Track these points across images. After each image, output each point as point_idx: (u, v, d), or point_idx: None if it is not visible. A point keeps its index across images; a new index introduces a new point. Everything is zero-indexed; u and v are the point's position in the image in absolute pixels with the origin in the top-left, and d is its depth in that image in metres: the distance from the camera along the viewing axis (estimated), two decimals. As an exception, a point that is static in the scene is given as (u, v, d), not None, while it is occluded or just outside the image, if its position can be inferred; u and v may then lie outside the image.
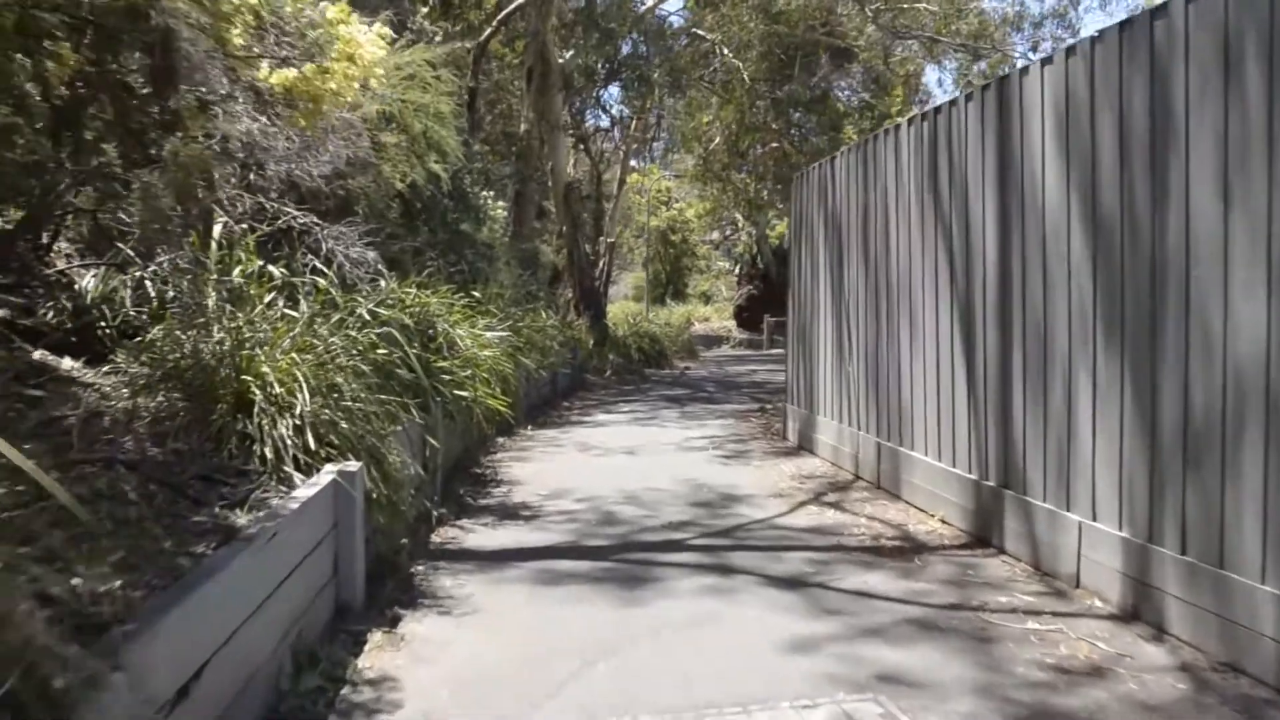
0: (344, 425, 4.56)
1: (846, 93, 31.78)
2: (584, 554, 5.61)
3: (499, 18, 20.36)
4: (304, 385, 4.46)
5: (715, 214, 43.83)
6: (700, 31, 22.09)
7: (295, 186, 5.88)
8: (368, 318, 5.97)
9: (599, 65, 20.49)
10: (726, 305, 45.60)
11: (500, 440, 9.78)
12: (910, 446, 6.88)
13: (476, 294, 11.19)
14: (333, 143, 5.18)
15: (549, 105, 19.94)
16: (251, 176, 5.04)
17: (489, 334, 8.62)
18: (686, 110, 25.00)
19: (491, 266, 13.21)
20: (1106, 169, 4.62)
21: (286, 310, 5.35)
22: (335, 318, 5.52)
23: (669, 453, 9.39)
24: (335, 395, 4.67)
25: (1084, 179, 4.79)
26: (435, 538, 5.95)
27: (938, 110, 6.49)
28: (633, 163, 29.22)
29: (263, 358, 4.59)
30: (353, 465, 4.33)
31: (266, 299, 5.05)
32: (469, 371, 7.52)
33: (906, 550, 5.67)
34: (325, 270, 5.94)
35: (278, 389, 4.44)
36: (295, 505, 3.67)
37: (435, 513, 6.41)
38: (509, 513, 6.71)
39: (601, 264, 22.64)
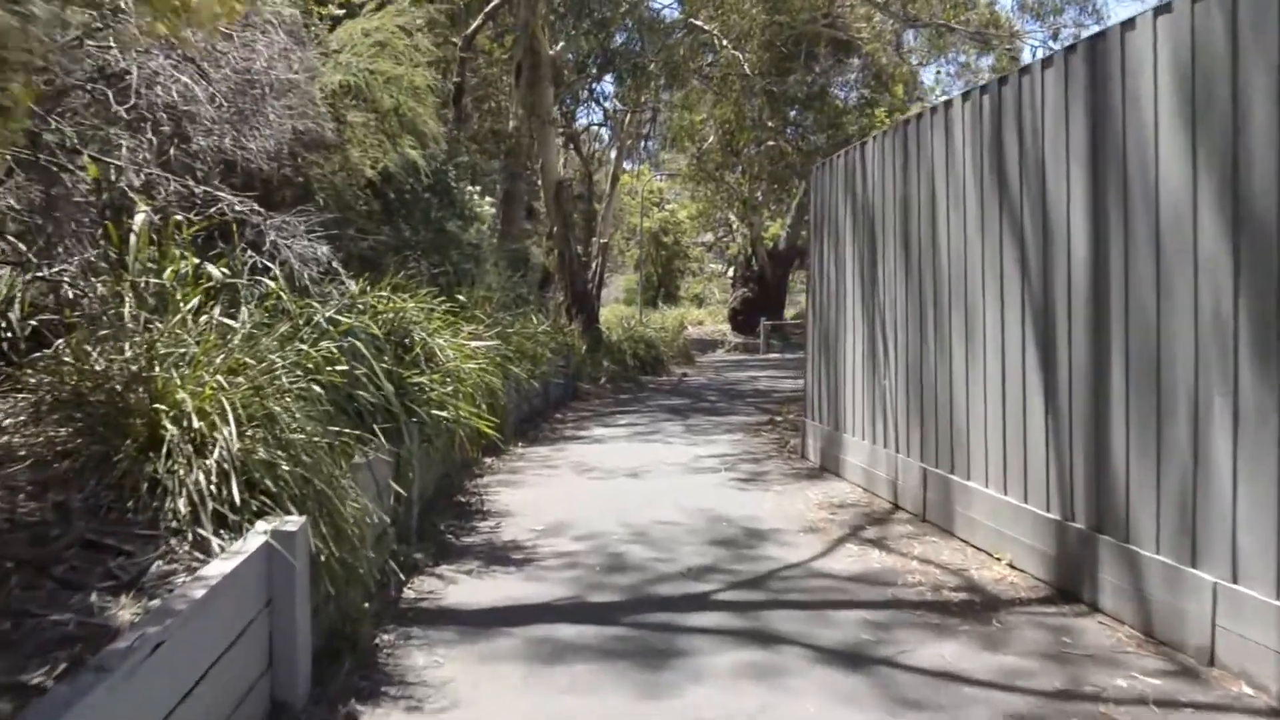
0: (284, 467, 3.55)
1: (844, 90, 30.89)
2: (589, 614, 4.60)
3: (486, 10, 19.37)
4: (232, 415, 3.45)
5: (708, 215, 42.97)
6: (698, 22, 21.09)
7: (237, 169, 4.88)
8: (327, 327, 4.97)
9: (591, 57, 19.49)
10: (719, 308, 44.65)
11: (487, 461, 8.77)
12: (966, 475, 5.90)
13: (461, 298, 10.22)
14: (274, 110, 4.16)
15: (539, 99, 18.94)
16: (173, 152, 4.02)
17: (474, 343, 7.62)
18: (683, 103, 23.96)
19: (478, 268, 12.20)
20: (1258, 138, 3.64)
21: (224, 319, 4.35)
22: (284, 328, 4.52)
23: (676, 475, 8.39)
24: (275, 428, 3.66)
25: (1220, 153, 3.81)
26: (409, 591, 4.94)
27: (1003, 81, 5.50)
28: (625, 163, 28.23)
29: (180, 380, 3.59)
30: (293, 521, 3.32)
31: (193, 304, 4.03)
32: (451, 387, 6.51)
33: (978, 607, 4.69)
34: (275, 270, 4.94)
35: (196, 422, 3.43)
36: (201, 592, 2.66)
37: (410, 558, 5.41)
38: (498, 555, 5.69)
39: (594, 266, 21.64)
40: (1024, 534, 5.19)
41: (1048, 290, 5.00)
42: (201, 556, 3.08)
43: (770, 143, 33.09)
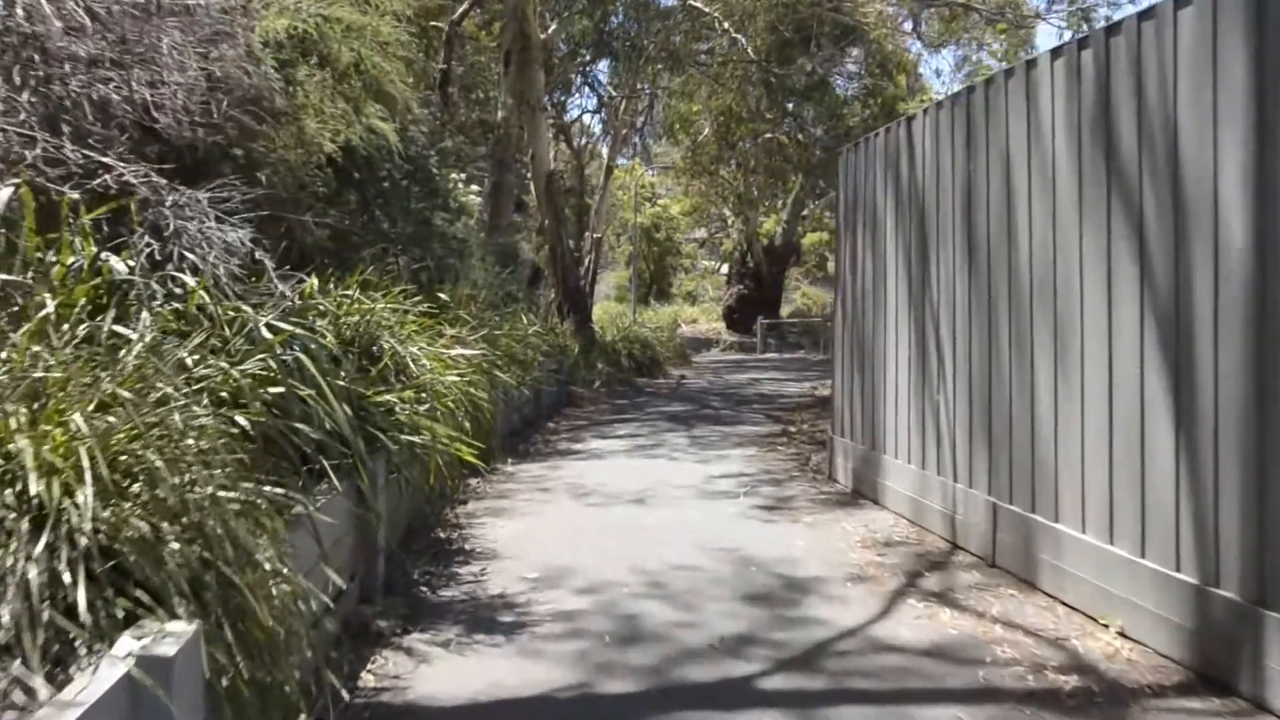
0: (173, 546, 2.46)
1: (845, 80, 29.83)
2: (602, 716, 3.53)
3: (474, -8, 18.31)
4: (92, 473, 2.37)
5: (702, 211, 41.93)
6: (697, 4, 19.99)
7: (152, 135, 3.78)
8: (265, 336, 3.87)
9: (585, 39, 18.40)
10: (713, 306, 43.60)
11: (472, 483, 7.68)
12: (1054, 516, 4.84)
13: (444, 296, 9.14)
14: (181, 47, 3.07)
15: (529, 84, 17.85)
16: (27, 97, 2.92)
17: (456, 350, 6.55)
18: (682, 89, 22.83)
19: (463, 264, 11.11)
20: None
21: (119, 329, 3.26)
22: (199, 340, 3.42)
23: (689, 501, 7.32)
24: (164, 486, 2.57)
25: None
26: (369, 676, 3.85)
27: (1111, 30, 4.44)
28: (619, 157, 27.13)
29: (21, 422, 2.50)
30: (175, 634, 2.23)
31: (50, 308, 2.94)
32: (427, 405, 5.43)
33: (1100, 699, 3.63)
34: (198, 262, 3.84)
35: (37, 484, 2.35)
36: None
37: (372, 625, 4.33)
38: (482, 616, 4.60)
39: (587, 262, 20.56)
40: (1142, 597, 4.13)
41: (1182, 288, 3.93)
42: (19, 706, 1.99)
43: (768, 135, 32.05)
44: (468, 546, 5.92)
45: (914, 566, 5.46)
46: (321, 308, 5.52)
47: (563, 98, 29.18)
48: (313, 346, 4.15)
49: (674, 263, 49.04)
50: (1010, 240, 5.25)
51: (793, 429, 11.15)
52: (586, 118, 31.79)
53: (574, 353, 16.42)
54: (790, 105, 29.71)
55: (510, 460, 9.02)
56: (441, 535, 6.15)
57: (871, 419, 7.33)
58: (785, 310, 39.39)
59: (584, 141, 31.74)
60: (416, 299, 6.95)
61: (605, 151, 25.52)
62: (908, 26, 26.10)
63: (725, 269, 47.67)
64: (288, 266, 4.30)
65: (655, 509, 7.03)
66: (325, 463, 3.91)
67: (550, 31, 17.79)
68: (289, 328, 3.99)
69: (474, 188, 11.30)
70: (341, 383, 4.43)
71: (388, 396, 4.96)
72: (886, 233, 7.12)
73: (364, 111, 5.58)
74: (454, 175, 10.80)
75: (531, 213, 24.88)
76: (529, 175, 21.01)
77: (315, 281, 5.65)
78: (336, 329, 5.36)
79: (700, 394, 16.23)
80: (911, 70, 30.92)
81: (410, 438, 4.96)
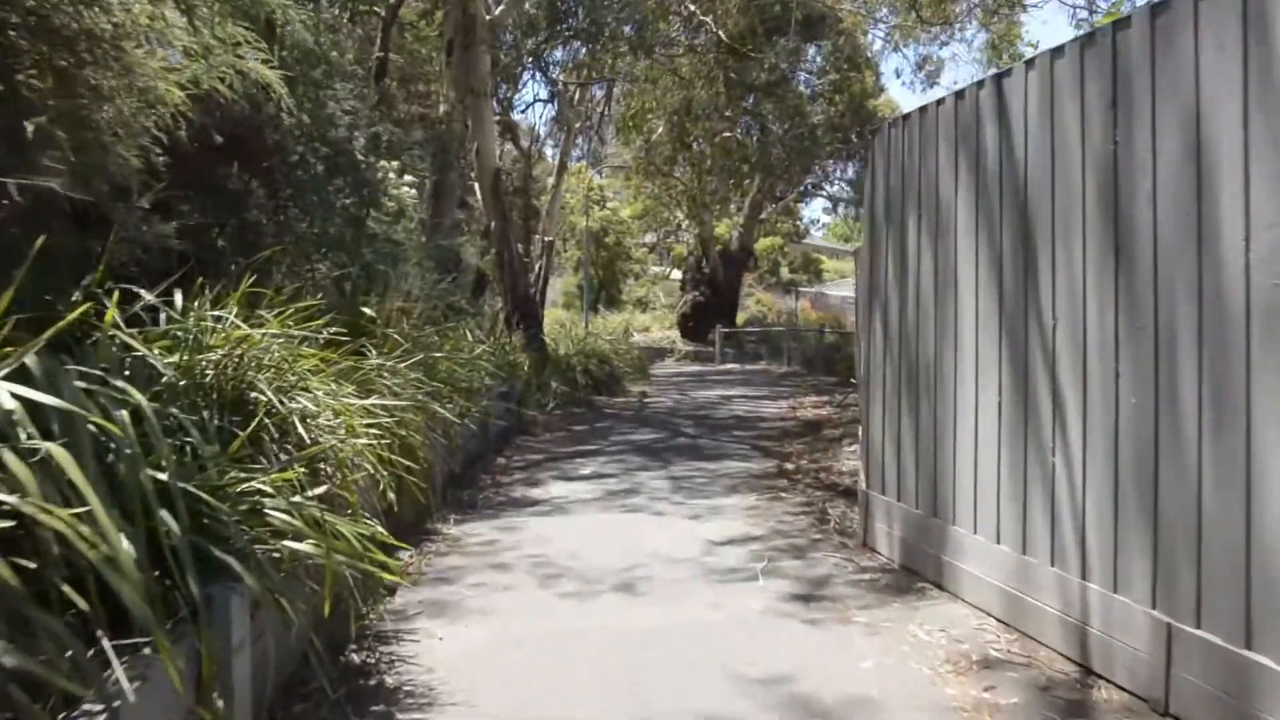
0: None
1: (805, 76, 28.34)
2: None
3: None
4: None
5: (653, 214, 40.31)
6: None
7: None
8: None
9: (539, 20, 16.58)
10: (666, 313, 41.96)
11: (404, 556, 5.81)
12: (1298, 661, 3.15)
13: (370, 311, 7.31)
14: None
15: (474, 68, 16.00)
16: None
17: (373, 400, 4.75)
18: (646, 75, 21.03)
19: (396, 270, 9.23)
20: None
21: None
22: None
23: (695, 587, 5.51)
24: None
25: None
26: None
27: None
28: (574, 151, 25.30)
29: None
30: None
31: None
32: (323, 486, 3.60)
33: None
34: None
35: None
36: None
37: None
38: None
39: (538, 267, 18.70)
40: None
41: None
42: None
43: (726, 133, 30.47)
44: (391, 680, 4.07)
45: (1045, 710, 3.74)
46: (176, 336, 3.69)
47: (509, 93, 27.40)
48: (90, 424, 2.31)
49: (624, 268, 47.37)
50: (1201, 238, 3.55)
51: (789, 465, 9.43)
52: (536, 111, 29.97)
53: (525, 370, 14.58)
54: (749, 102, 28.16)
55: (453, 518, 7.18)
56: (356, 659, 4.30)
57: (932, 475, 5.61)
58: (740, 318, 37.83)
59: (532, 144, 29.91)
60: (330, 316, 5.09)
61: (557, 148, 23.69)
62: (882, 14, 24.57)
63: (678, 274, 46.11)
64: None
65: (652, 602, 5.22)
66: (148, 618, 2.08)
67: (498, 11, 15.93)
68: (37, 396, 2.14)
69: (408, 179, 9.42)
70: (163, 475, 2.60)
71: (256, 483, 3.12)
72: (957, 231, 5.41)
73: (223, 41, 3.71)
74: (384, 164, 8.92)
75: (477, 214, 22.95)
76: (474, 176, 19.12)
77: (180, 297, 3.85)
78: (188, 371, 3.52)
79: (668, 416, 14.46)
80: (873, 68, 29.56)
81: (294, 545, 3.13)
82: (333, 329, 4.98)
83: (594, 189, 41.37)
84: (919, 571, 5.62)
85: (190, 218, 4.67)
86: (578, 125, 21.67)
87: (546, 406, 14.01)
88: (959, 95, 5.37)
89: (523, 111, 23.77)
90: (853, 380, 19.04)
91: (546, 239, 18.75)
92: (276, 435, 3.56)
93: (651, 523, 7.13)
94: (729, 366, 28.19)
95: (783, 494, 8.09)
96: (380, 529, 3.73)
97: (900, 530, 5.92)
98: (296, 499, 3.23)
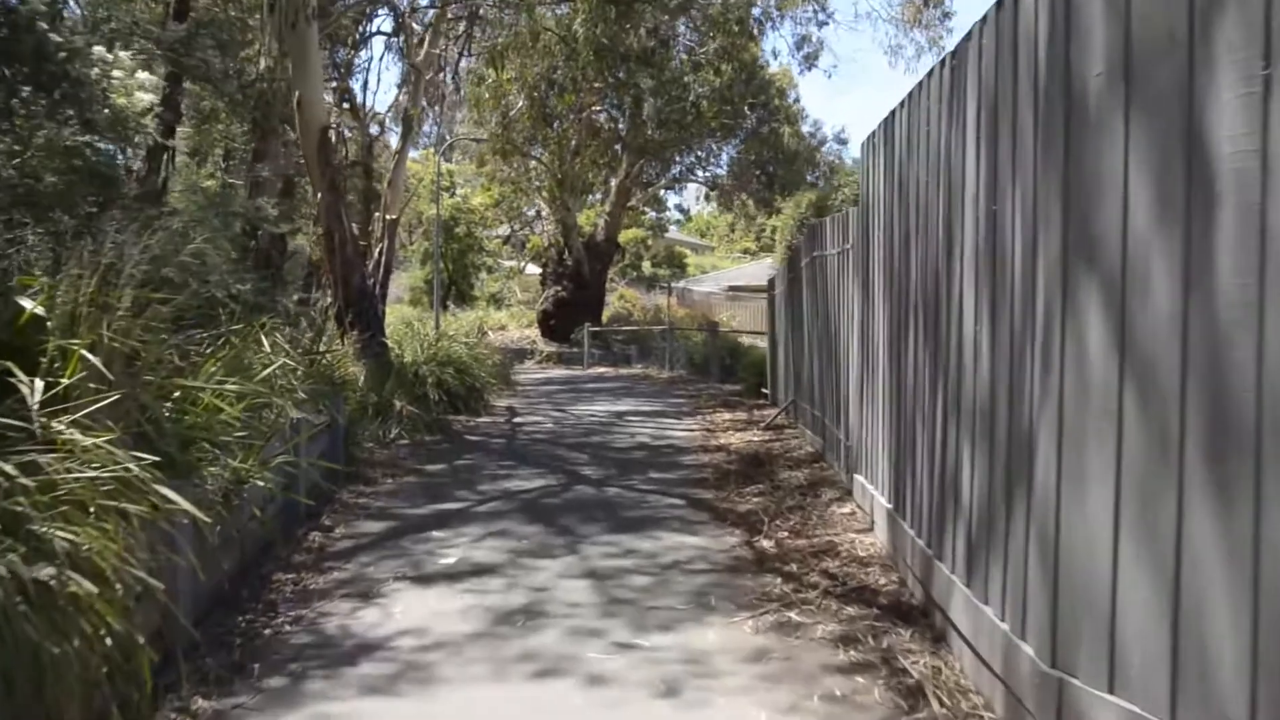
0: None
1: (685, 44, 25.24)
2: None
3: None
4: None
5: (509, 203, 36.62)
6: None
7: None
8: None
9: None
10: (522, 310, 38.32)
11: None
12: None
13: (31, 306, 3.63)
14: None
15: (289, -12, 12.17)
16: None
17: None
18: (521, 3, 17.29)
19: (131, 222, 5.54)
20: None
21: None
22: None
23: None
24: None
25: None
26: None
27: None
28: (426, 125, 21.33)
29: None
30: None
31: None
32: None
33: None
34: None
35: None
36: None
37: None
38: None
39: (378, 251, 14.87)
40: None
41: None
42: None
43: (596, 107, 27.15)
44: None
45: None
46: None
47: (348, 54, 23.43)
48: None
49: (476, 261, 43.46)
50: None
51: (766, 543, 6.18)
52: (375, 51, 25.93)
53: (360, 387, 10.89)
54: (621, 73, 24.86)
55: (199, 703, 3.62)
56: None
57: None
58: (604, 315, 34.56)
59: (369, 121, 25.78)
60: None
61: (395, 122, 19.62)
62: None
63: (534, 269, 42.53)
64: None
65: None
66: None
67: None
68: None
69: (144, 77, 5.70)
70: None
71: None
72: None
73: None
74: (100, 51, 5.23)
75: (308, 198, 18.89)
76: (299, 133, 15.14)
77: None
78: None
79: (552, 445, 11.01)
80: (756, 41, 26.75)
81: None
82: None
83: (444, 174, 37.27)
84: None
85: None
86: (428, 76, 17.85)
87: (387, 435, 10.37)
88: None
89: (361, 58, 19.76)
90: (764, 391, 16.09)
91: (390, 217, 14.99)
92: None
93: (594, 709, 3.73)
94: (600, 371, 24.90)
95: (790, 611, 4.79)
96: None
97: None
98: None
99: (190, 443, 4.30)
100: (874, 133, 6.33)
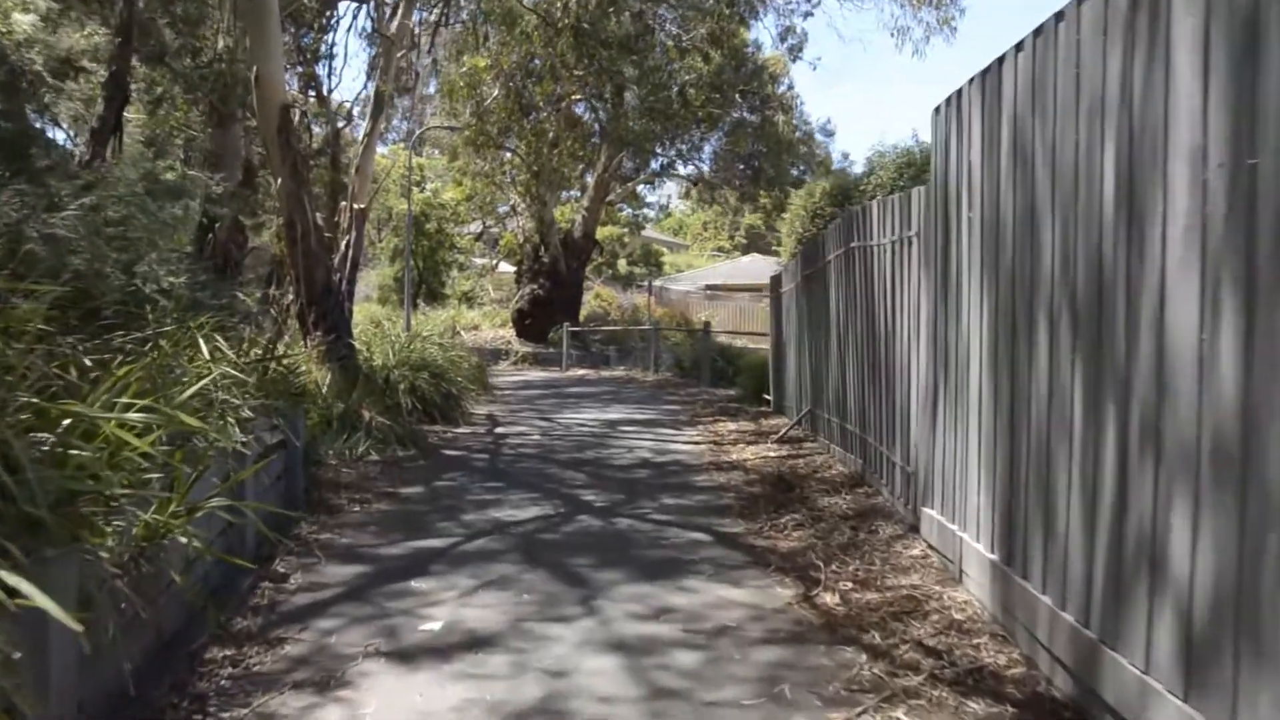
0: None
1: (672, 29, 24.00)
2: None
3: None
4: None
5: (481, 197, 35.22)
6: None
7: None
8: None
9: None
10: (496, 309, 36.91)
11: None
12: None
13: None
14: None
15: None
16: None
17: None
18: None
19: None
20: None
21: None
22: None
23: None
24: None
25: None
26: None
27: None
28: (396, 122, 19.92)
29: None
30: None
31: None
32: None
33: None
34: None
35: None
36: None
37: None
38: None
39: (345, 244, 13.53)
40: None
41: None
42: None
43: (575, 95, 25.87)
44: None
45: None
46: None
47: (314, 38, 22.10)
48: None
49: (447, 258, 42.01)
50: None
51: (830, 597, 4.97)
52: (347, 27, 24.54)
53: (323, 395, 9.60)
54: (603, 60, 23.57)
55: None
56: None
57: None
58: (582, 313, 33.28)
59: (341, 101, 24.40)
60: None
61: (374, 72, 18.31)
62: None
63: (506, 267, 41.17)
64: None
65: None
66: None
67: None
68: None
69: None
70: None
71: None
72: None
73: None
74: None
75: (272, 195, 17.48)
76: (258, 113, 13.76)
77: None
78: None
79: (543, 462, 9.76)
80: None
81: None
82: None
83: (415, 169, 35.77)
84: None
85: None
86: (401, 52, 16.49)
87: (354, 451, 9.07)
88: None
89: (328, 41, 18.45)
90: (765, 397, 14.90)
91: (358, 206, 13.64)
92: None
93: None
94: (581, 373, 23.65)
95: (896, 710, 3.58)
96: None
97: None
98: None
99: (73, 495, 3.03)
100: (959, 94, 5.16)
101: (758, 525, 6.63)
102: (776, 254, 55.45)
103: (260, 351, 7.72)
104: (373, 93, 15.61)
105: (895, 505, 6.63)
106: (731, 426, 12.05)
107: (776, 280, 14.01)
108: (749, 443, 10.51)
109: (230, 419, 5.26)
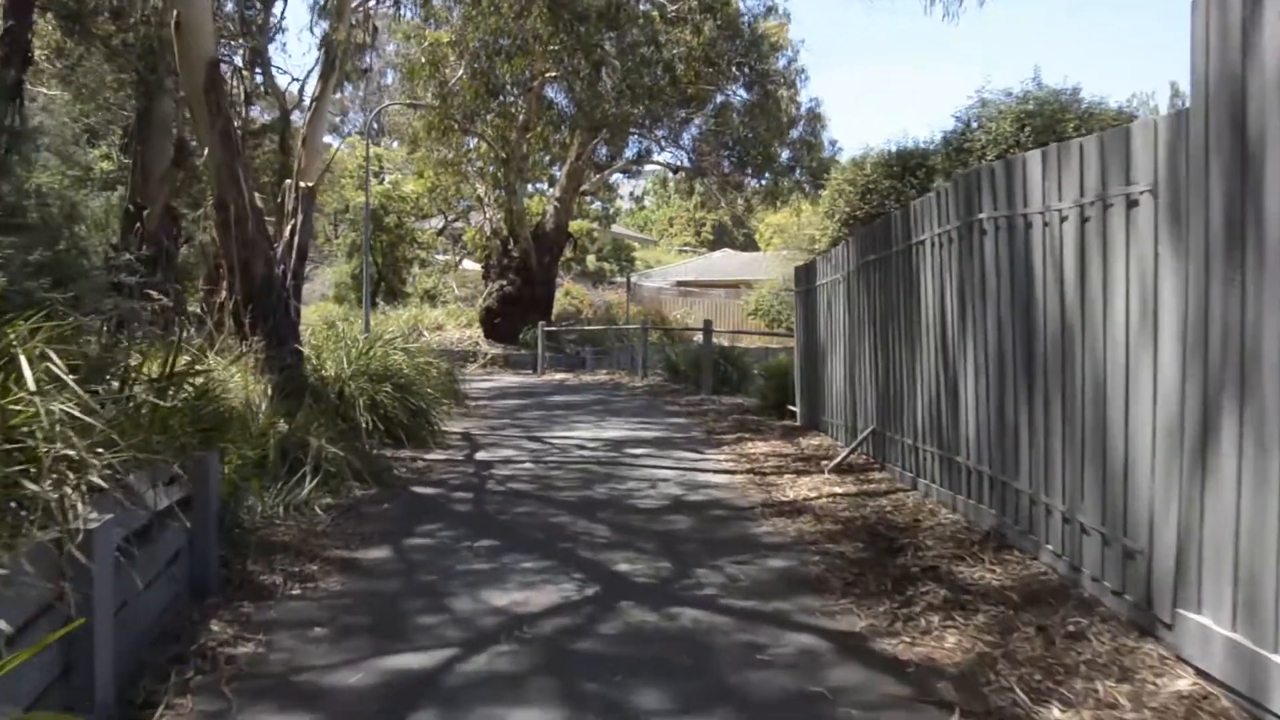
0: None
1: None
2: None
3: None
4: None
5: (443, 190, 32.89)
6: None
7: None
8: None
9: None
10: (460, 308, 34.57)
11: None
12: None
13: None
14: None
15: None
16: None
17: None
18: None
19: None
20: None
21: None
22: None
23: None
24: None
25: None
26: None
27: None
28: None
29: None
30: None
31: None
32: None
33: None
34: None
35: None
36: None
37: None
38: None
39: (290, 229, 11.23)
40: None
41: None
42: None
43: (549, 73, 23.65)
44: None
45: None
46: None
47: (260, 11, 19.88)
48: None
49: (408, 254, 39.62)
50: None
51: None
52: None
53: (260, 419, 7.38)
54: (579, 33, 21.38)
55: None
56: None
57: None
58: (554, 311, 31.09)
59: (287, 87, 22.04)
60: None
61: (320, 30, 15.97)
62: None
63: (470, 265, 38.87)
64: None
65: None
66: None
67: None
68: None
69: None
70: None
71: None
72: None
73: None
74: None
75: (199, 170, 15.12)
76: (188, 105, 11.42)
77: None
78: None
79: (544, 503, 7.59)
80: None
81: None
82: None
83: (373, 159, 33.33)
84: None
85: None
86: (356, 9, 14.20)
87: (301, 495, 6.86)
88: None
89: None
90: (790, 409, 12.80)
91: (305, 184, 11.37)
92: None
93: None
94: (560, 378, 21.48)
95: None
96: None
97: None
98: None
99: None
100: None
101: (882, 615, 4.55)
102: (754, 249, 53.44)
103: (164, 367, 5.49)
104: (320, 39, 13.27)
105: (1081, 585, 4.58)
106: (763, 447, 9.97)
107: (806, 272, 11.90)
108: (797, 472, 8.43)
109: (68, 489, 3.10)
